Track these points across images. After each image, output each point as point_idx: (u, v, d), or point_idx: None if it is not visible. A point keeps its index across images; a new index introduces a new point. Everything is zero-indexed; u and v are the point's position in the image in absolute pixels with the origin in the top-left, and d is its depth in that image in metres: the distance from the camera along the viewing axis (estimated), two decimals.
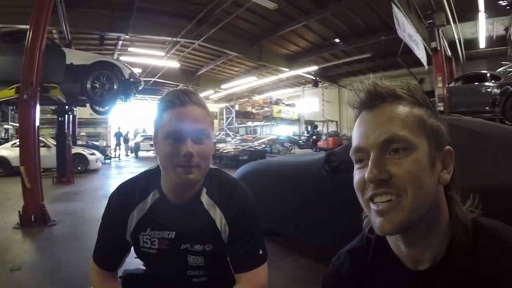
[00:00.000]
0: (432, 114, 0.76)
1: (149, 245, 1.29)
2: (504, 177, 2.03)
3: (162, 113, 1.17)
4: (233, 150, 15.74)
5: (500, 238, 0.72)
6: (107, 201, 1.33)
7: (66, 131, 10.15)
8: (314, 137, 23.47)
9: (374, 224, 0.74)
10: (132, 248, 1.36)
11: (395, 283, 0.81)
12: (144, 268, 1.45)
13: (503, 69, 11.59)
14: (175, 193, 1.26)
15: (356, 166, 0.78)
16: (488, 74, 10.58)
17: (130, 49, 14.91)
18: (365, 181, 0.73)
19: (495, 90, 9.93)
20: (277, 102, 29.16)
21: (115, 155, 20.37)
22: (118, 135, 21.16)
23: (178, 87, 1.27)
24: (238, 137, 24.91)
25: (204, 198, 1.29)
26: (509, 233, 0.74)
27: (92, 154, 13.20)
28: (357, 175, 0.77)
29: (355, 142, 0.78)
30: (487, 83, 10.34)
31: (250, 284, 1.22)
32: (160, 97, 1.21)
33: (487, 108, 10.11)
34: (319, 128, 25.29)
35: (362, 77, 22.77)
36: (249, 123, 32.69)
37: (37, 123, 5.44)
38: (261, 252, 1.27)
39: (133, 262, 1.45)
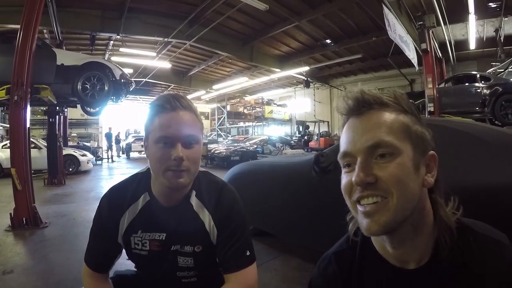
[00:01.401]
0: (417, 121, 0.79)
1: (140, 246, 1.31)
2: (492, 177, 2.06)
3: (153, 117, 1.19)
4: (224, 150, 15.72)
5: (482, 236, 0.77)
6: (98, 204, 1.35)
7: (57, 132, 10.09)
8: (305, 137, 23.60)
9: (361, 225, 0.77)
10: (124, 250, 1.37)
11: (382, 283, 0.83)
12: (135, 269, 1.47)
13: (493, 70, 11.72)
14: (165, 195, 1.28)
15: (343, 170, 0.81)
16: (478, 75, 10.70)
17: (121, 49, 14.81)
18: (352, 184, 0.76)
19: (485, 90, 10.05)
20: (268, 103, 29.20)
21: (107, 156, 20.09)
22: (109, 136, 20.90)
23: (169, 92, 1.28)
24: (229, 138, 24.93)
25: (194, 201, 1.32)
26: (489, 231, 0.79)
27: (83, 155, 13.12)
28: (344, 179, 0.79)
29: (343, 147, 0.80)
30: (477, 84, 10.46)
31: (238, 284, 1.24)
32: (151, 99, 1.22)
33: (477, 108, 10.23)
34: (311, 129, 25.36)
35: (353, 77, 22.98)
36: (241, 124, 32.69)
37: (28, 125, 5.39)
38: (248, 253, 1.28)
39: (124, 263, 1.47)
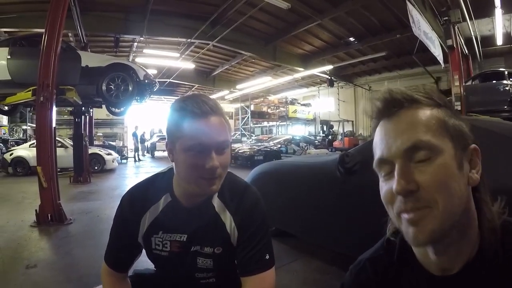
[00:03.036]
0: (452, 114, 0.74)
1: (161, 247, 1.31)
2: None
3: (181, 122, 1.12)
4: (248, 150, 15.73)
5: None
6: (119, 203, 1.35)
7: (82, 132, 10.35)
8: (329, 137, 23.38)
9: (406, 235, 0.71)
10: (143, 250, 1.38)
11: None
12: (154, 269, 1.47)
13: None
14: (187, 196, 1.26)
15: (381, 179, 0.75)
16: (506, 72, 10.37)
17: (145, 50, 15.03)
18: (392, 193, 0.70)
19: None
20: (292, 102, 29.04)
21: (136, 156, 20.26)
22: (135, 135, 21.16)
23: (194, 93, 1.26)
24: (253, 137, 24.92)
25: (216, 202, 1.30)
26: None
27: (109, 154, 13.40)
28: (383, 187, 0.74)
29: (377, 154, 0.75)
30: (505, 81, 10.14)
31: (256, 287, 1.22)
32: (175, 101, 1.20)
33: (505, 107, 9.91)
34: (335, 128, 25.13)
35: (378, 76, 22.63)
36: (265, 123, 32.62)
37: (54, 124, 5.55)
38: (267, 257, 1.25)
39: (143, 260, 1.48)
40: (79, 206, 6.55)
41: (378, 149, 0.74)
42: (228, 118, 1.23)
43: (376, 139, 0.76)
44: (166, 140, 1.21)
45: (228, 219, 1.28)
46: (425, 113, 0.71)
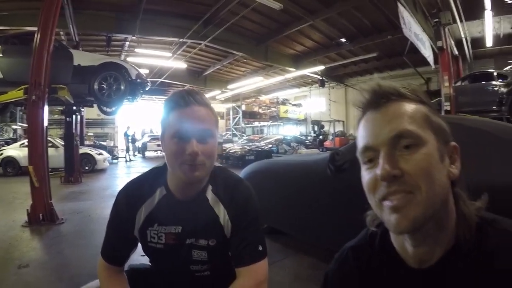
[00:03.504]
0: (435, 112, 0.77)
1: (156, 240, 1.33)
2: (510, 175, 2.03)
3: (168, 113, 1.21)
4: (239, 150, 15.77)
5: (502, 231, 0.72)
6: (115, 198, 1.37)
7: (73, 131, 10.28)
8: (320, 137, 23.45)
9: (388, 223, 0.72)
10: (139, 245, 1.40)
11: (398, 282, 0.80)
12: (149, 263, 1.49)
13: (510, 67, 11.50)
14: (182, 189, 1.30)
15: (364, 167, 0.77)
16: (495, 73, 10.50)
17: (137, 50, 14.98)
18: (376, 180, 0.72)
19: (502, 89, 9.85)
20: (283, 102, 29.16)
21: (127, 156, 20.11)
22: (127, 135, 21.03)
23: (184, 88, 1.31)
24: (244, 137, 24.94)
25: (210, 195, 1.33)
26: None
27: (100, 154, 13.31)
28: (366, 175, 0.75)
29: (362, 141, 0.77)
30: (494, 82, 10.26)
31: (250, 278, 1.25)
32: (166, 97, 1.26)
33: (494, 107, 10.03)
34: (326, 128, 25.27)
35: (369, 76, 22.76)
36: (256, 123, 32.72)
37: (45, 124, 5.52)
38: (261, 248, 1.29)
39: (138, 260, 1.51)
40: (70, 206, 6.50)
41: (364, 138, 0.76)
42: (219, 118, 1.26)
43: (362, 128, 0.78)
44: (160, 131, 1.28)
45: (222, 212, 1.32)
46: (411, 106, 0.74)
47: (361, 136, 0.77)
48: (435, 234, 0.73)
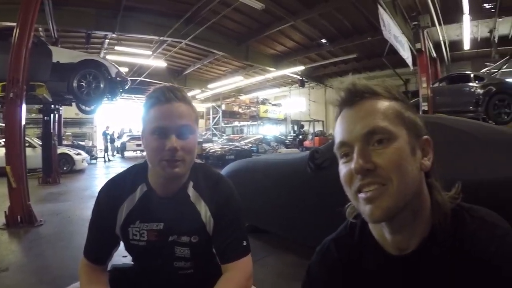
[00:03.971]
0: (408, 108, 0.81)
1: (138, 237, 1.32)
2: (484, 172, 2.09)
3: (149, 109, 1.21)
4: (219, 149, 15.78)
5: (477, 219, 0.77)
6: (97, 196, 1.36)
7: (51, 131, 10.02)
8: (300, 136, 23.62)
9: (363, 213, 0.77)
10: (122, 244, 1.39)
11: (380, 270, 0.85)
12: (132, 263, 1.47)
13: (487, 70, 11.80)
14: (162, 185, 1.30)
15: (341, 161, 0.81)
16: (472, 75, 10.75)
17: (116, 48, 14.81)
18: (352, 174, 0.76)
19: (479, 90, 10.10)
20: (263, 102, 29.21)
21: (106, 156, 19.78)
22: (105, 134, 20.69)
23: (164, 84, 1.31)
24: (224, 137, 24.91)
25: (191, 191, 1.34)
26: (492, 216, 0.77)
27: (78, 154, 13.02)
28: (343, 169, 0.79)
29: (338, 137, 0.81)
30: (471, 84, 10.51)
31: (239, 272, 1.26)
32: (146, 94, 1.26)
33: (471, 108, 10.28)
34: (306, 128, 25.44)
35: (348, 77, 22.94)
36: (236, 123, 32.68)
37: (23, 122, 5.38)
38: (245, 243, 1.31)
39: (121, 261, 1.49)
40: (49, 208, 6.35)
41: (339, 134, 0.80)
42: (199, 117, 1.27)
43: (338, 125, 0.82)
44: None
45: (203, 208, 1.32)
46: (384, 104, 0.78)
47: (337, 132, 0.82)
48: (411, 222, 0.78)
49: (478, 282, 0.72)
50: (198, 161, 1.39)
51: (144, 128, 1.24)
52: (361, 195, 0.75)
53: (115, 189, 1.35)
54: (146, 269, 1.40)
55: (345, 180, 0.79)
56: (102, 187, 1.38)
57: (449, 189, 0.84)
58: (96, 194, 1.38)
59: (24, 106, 5.35)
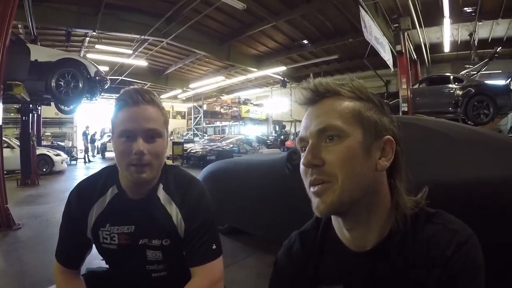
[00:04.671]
0: (373, 108, 0.82)
1: (109, 240, 1.31)
2: (461, 172, 2.12)
3: (117, 112, 1.20)
4: (201, 150, 15.70)
5: (442, 226, 0.78)
6: (67, 199, 1.34)
7: (30, 131, 9.80)
8: (282, 137, 23.64)
9: (313, 205, 0.80)
10: (95, 247, 1.38)
11: (340, 264, 0.87)
12: (107, 266, 1.46)
13: (466, 72, 12.07)
14: (131, 188, 1.29)
15: (302, 155, 0.84)
16: (452, 77, 11.00)
17: (97, 46, 14.58)
18: (306, 168, 0.81)
19: (458, 91, 10.35)
20: (245, 102, 29.19)
21: (86, 156, 19.46)
22: (86, 135, 20.35)
23: (133, 87, 1.30)
24: (206, 137, 24.83)
25: (161, 194, 1.32)
26: (454, 223, 0.79)
27: (58, 155, 12.76)
28: (301, 163, 0.82)
29: (300, 133, 0.86)
30: (450, 85, 10.76)
31: (204, 278, 1.25)
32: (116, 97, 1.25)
33: (450, 108, 10.54)
34: (287, 128, 25.50)
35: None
36: (217, 123, 32.54)
37: (0, 123, 5.25)
38: (214, 247, 1.30)
39: (98, 263, 1.47)
40: (28, 210, 6.22)
41: (301, 130, 0.86)
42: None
43: (302, 121, 0.86)
44: None
45: (174, 211, 1.31)
46: (342, 103, 0.81)
47: (300, 128, 0.86)
48: (366, 220, 0.82)
49: (431, 285, 0.74)
50: (170, 163, 1.39)
51: (113, 131, 1.23)
52: (311, 188, 0.79)
53: (85, 191, 1.33)
54: (120, 272, 1.39)
55: (302, 174, 0.84)
56: (73, 190, 1.36)
57: (418, 192, 0.87)
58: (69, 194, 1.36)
59: (1, 106, 5.22)
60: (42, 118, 13.59)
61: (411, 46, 13.39)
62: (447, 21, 11.00)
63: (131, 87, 1.28)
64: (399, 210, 0.82)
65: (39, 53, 7.76)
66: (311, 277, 0.91)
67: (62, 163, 12.77)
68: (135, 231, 1.30)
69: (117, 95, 1.25)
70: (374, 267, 0.81)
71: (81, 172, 14.16)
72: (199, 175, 4.54)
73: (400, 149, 0.84)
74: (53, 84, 7.72)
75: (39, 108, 10.76)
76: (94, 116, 28.17)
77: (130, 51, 15.75)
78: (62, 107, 9.95)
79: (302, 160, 0.80)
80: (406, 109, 10.85)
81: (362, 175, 0.77)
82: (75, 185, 1.38)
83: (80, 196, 1.33)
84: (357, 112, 0.80)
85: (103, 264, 1.44)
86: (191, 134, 28.73)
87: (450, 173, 2.09)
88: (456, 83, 10.63)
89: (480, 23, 11.86)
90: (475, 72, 12.09)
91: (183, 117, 35.82)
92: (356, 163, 0.76)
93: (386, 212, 0.83)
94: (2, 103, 5.37)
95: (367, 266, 0.82)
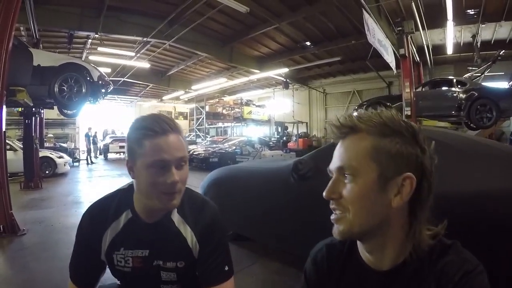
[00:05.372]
0: (399, 142, 0.85)
1: (123, 264, 1.32)
2: (463, 184, 2.14)
3: (143, 141, 1.17)
4: (203, 152, 15.71)
5: (455, 255, 0.83)
6: (80, 221, 1.35)
7: (33, 134, 9.81)
8: (284, 138, 23.63)
9: (333, 229, 0.90)
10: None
11: (358, 279, 0.96)
12: (119, 283, 1.46)
13: (470, 74, 12.05)
14: (148, 213, 1.29)
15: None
16: (455, 80, 10.96)
17: (99, 48, 14.58)
18: None
19: (461, 95, 10.32)
20: (247, 103, 29.16)
21: (89, 158, 19.47)
22: (88, 136, 20.33)
23: (152, 113, 1.29)
24: (208, 138, 24.82)
25: (175, 217, 1.33)
26: (465, 253, 0.85)
27: (60, 157, 12.77)
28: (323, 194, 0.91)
29: (330, 164, 0.94)
30: (453, 88, 10.73)
31: None
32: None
33: (453, 112, 10.51)
34: (290, 129, 25.48)
35: (332, 79, 23.22)
36: (220, 124, 32.55)
37: (4, 128, 5.25)
38: (227, 268, 1.31)
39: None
40: (32, 215, 6.22)
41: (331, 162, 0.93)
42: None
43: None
44: (127, 157, 1.26)
45: (189, 234, 1.32)
46: (361, 142, 0.87)
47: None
48: (382, 246, 0.89)
49: None
50: None
51: (136, 158, 1.20)
52: (331, 216, 0.90)
53: (98, 215, 1.34)
54: None
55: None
56: (85, 212, 1.37)
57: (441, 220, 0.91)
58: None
59: (4, 113, 5.24)
60: (44, 119, 13.59)
61: (414, 49, 13.35)
62: (450, 23, 10.98)
63: (151, 114, 1.27)
64: (415, 243, 0.87)
65: (42, 58, 7.74)
66: (335, 286, 1.00)
67: (64, 165, 12.79)
68: (150, 255, 1.31)
69: (138, 122, 1.24)
70: (389, 286, 0.89)
71: (84, 175, 14.20)
72: (203, 181, 4.56)
73: (427, 184, 0.86)
74: (56, 89, 7.71)
75: (42, 111, 10.76)
76: (96, 117, 28.20)
77: (133, 53, 15.75)
78: (65, 111, 9.95)
79: (324, 192, 0.89)
80: (409, 113, 10.80)
81: (373, 211, 0.85)
82: (88, 208, 1.38)
83: (92, 219, 1.33)
84: (375, 151, 0.85)
85: (112, 279, 1.46)
86: (194, 135, 28.70)
87: (453, 185, 2.09)
88: (459, 86, 10.61)
89: (483, 25, 11.83)
90: (479, 75, 12.08)
91: (185, 118, 35.82)
92: (366, 200, 0.84)
93: (400, 242, 0.89)
94: (5, 107, 5.35)
95: (382, 283, 0.90)
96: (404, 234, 0.88)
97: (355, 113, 0.93)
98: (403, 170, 0.84)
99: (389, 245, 0.89)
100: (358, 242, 0.96)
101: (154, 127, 1.17)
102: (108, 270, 1.39)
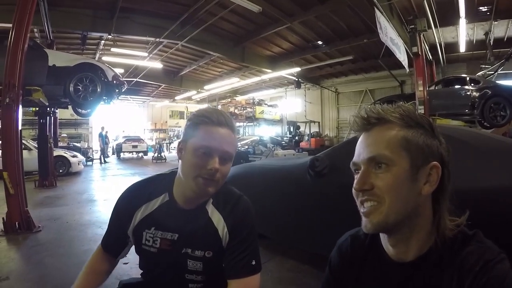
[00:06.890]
0: (422, 134, 0.89)
1: (150, 243, 1.36)
2: (479, 181, 2.13)
3: (197, 125, 1.27)
4: None
5: (476, 245, 0.84)
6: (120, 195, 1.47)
7: (47, 134, 9.97)
8: (296, 137, 23.57)
9: (362, 223, 0.91)
10: (132, 247, 1.48)
11: (380, 270, 0.97)
12: (140, 277, 1.50)
13: (483, 72, 11.89)
14: (186, 198, 1.33)
15: (355, 176, 0.93)
16: (468, 78, 10.84)
17: (112, 49, 14.70)
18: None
19: (474, 93, 10.21)
20: (259, 103, 29.07)
21: (102, 157, 19.64)
22: (102, 136, 20.48)
23: (215, 107, 1.36)
24: None
25: (210, 207, 1.37)
26: (487, 243, 0.85)
27: (74, 156, 12.96)
28: (354, 184, 0.92)
29: (354, 158, 0.94)
30: (466, 87, 10.62)
31: None
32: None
33: (467, 110, 10.41)
34: (302, 129, 25.40)
35: (344, 78, 23.07)
36: None
37: (20, 127, 5.33)
38: (254, 262, 1.32)
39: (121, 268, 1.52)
40: (47, 212, 6.31)
41: (355, 154, 0.94)
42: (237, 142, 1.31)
43: (356, 146, 0.95)
44: (180, 139, 1.35)
45: (221, 225, 1.34)
46: (391, 132, 0.89)
47: (355, 152, 0.95)
48: (408, 238, 0.90)
49: None
50: None
51: (187, 140, 1.29)
52: (361, 209, 0.90)
53: (136, 191, 1.44)
54: (156, 281, 1.42)
55: (354, 193, 0.93)
56: (125, 189, 1.48)
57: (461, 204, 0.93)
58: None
59: (20, 111, 5.31)
60: (58, 119, 13.76)
61: (427, 47, 13.22)
62: (462, 21, 10.83)
63: (214, 107, 1.33)
64: (439, 232, 0.89)
65: (57, 58, 7.86)
66: (355, 277, 1.03)
67: (78, 164, 12.97)
68: (178, 239, 1.34)
69: (200, 111, 1.34)
70: (410, 277, 0.90)
71: (97, 173, 14.33)
72: None
73: (447, 172, 0.91)
74: (71, 88, 7.84)
75: (56, 110, 10.90)
76: (109, 117, 28.46)
77: (145, 54, 15.84)
78: (80, 110, 10.08)
79: (354, 185, 0.90)
80: (422, 111, 10.69)
81: (407, 199, 0.86)
82: (129, 186, 1.48)
83: (129, 196, 1.43)
84: (405, 140, 0.88)
85: (126, 268, 1.51)
86: None
87: (470, 181, 2.08)
88: (472, 85, 10.49)
89: (495, 22, 11.64)
90: (492, 72, 11.91)
91: None
92: (402, 189, 0.85)
93: (426, 232, 0.90)
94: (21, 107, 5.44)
95: (404, 275, 0.91)
96: (429, 224, 0.90)
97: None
98: (429, 159, 0.88)
99: (414, 236, 0.90)
100: (382, 236, 0.98)
101: (211, 117, 1.27)
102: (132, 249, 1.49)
